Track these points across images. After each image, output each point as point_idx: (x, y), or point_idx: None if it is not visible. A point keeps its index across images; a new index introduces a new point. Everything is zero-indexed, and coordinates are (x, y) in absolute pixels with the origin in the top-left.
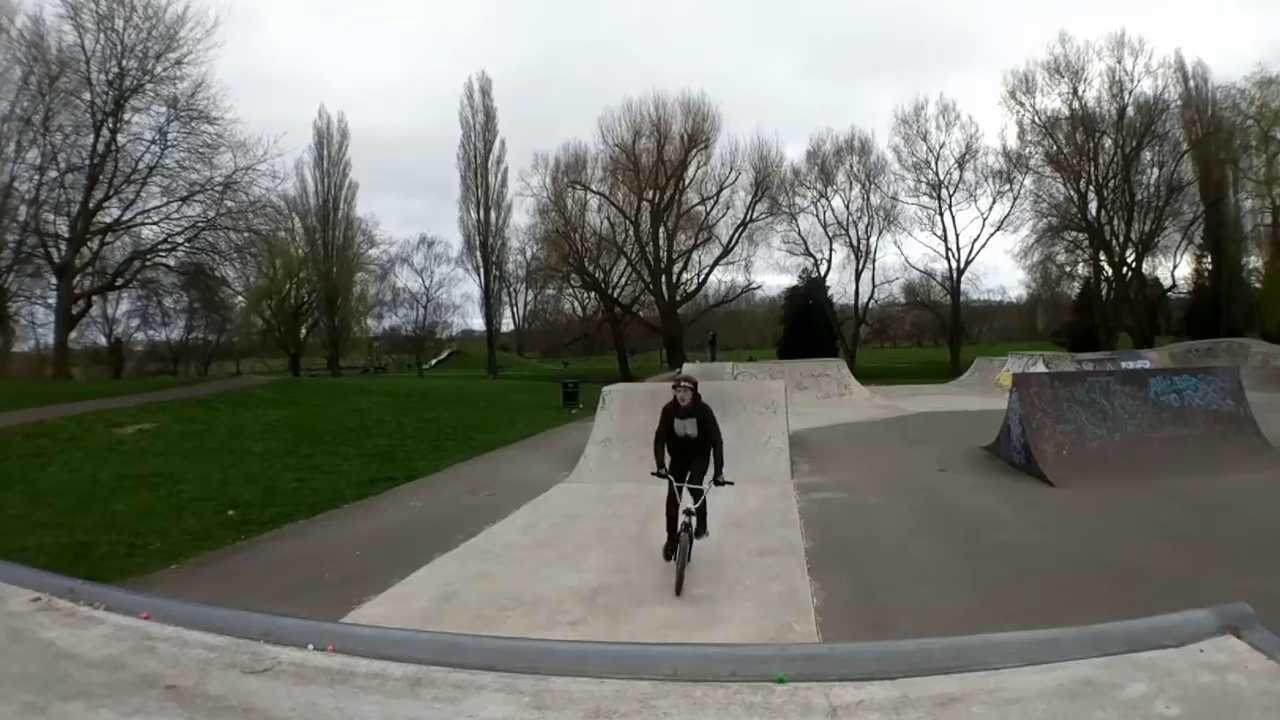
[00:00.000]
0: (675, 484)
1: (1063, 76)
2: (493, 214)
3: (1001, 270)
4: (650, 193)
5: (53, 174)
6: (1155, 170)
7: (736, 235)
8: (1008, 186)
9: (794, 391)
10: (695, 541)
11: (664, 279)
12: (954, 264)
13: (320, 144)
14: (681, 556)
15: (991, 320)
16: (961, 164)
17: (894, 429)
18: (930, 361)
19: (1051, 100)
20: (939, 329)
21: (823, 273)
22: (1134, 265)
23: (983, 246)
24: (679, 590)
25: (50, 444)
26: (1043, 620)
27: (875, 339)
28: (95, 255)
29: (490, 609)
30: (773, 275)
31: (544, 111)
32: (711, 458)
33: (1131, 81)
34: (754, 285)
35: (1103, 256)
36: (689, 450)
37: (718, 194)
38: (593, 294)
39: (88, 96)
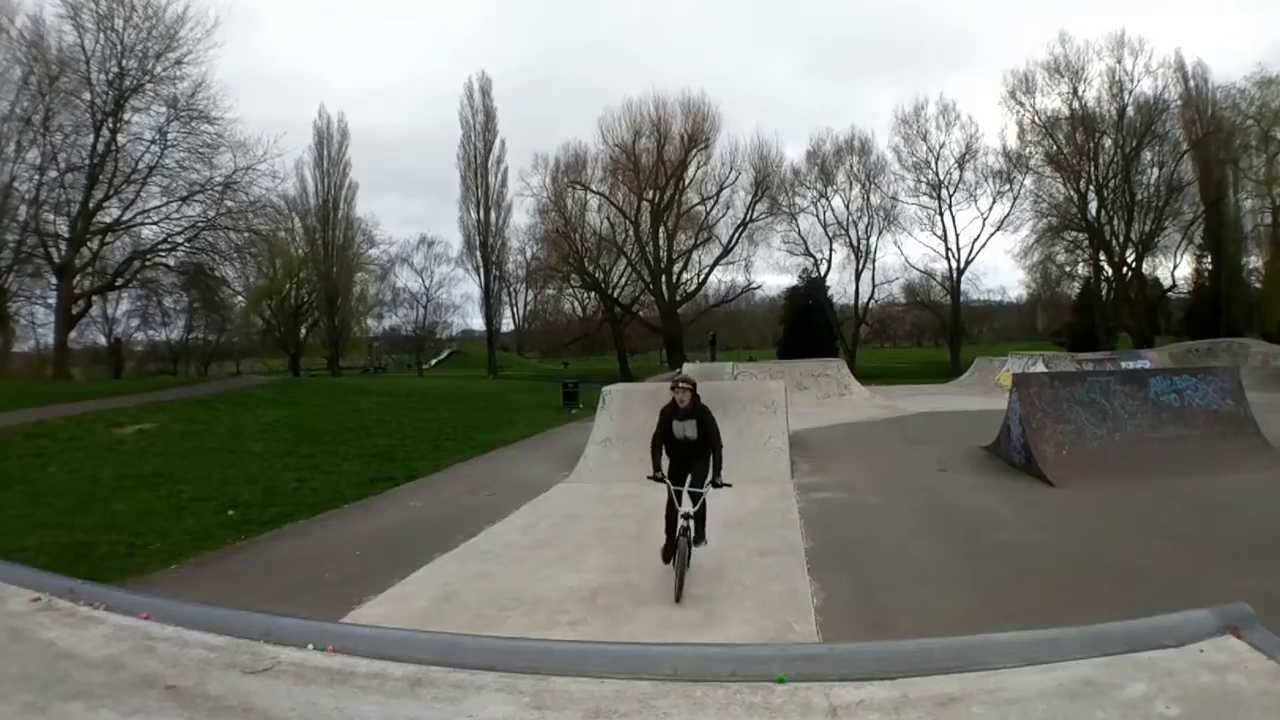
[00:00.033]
0: (673, 488)
1: (1063, 76)
2: (493, 214)
3: (1001, 270)
4: (650, 193)
5: (53, 174)
6: (1155, 170)
7: (736, 235)
8: (1008, 186)
9: (794, 391)
10: (694, 549)
11: (664, 279)
12: (954, 264)
13: (320, 144)
14: (680, 562)
15: (991, 320)
16: (961, 164)
17: (894, 429)
18: (930, 361)
19: (1051, 100)
20: (939, 329)
21: (823, 273)
22: (1134, 265)
23: (983, 246)
24: (678, 597)
25: (50, 444)
26: (1043, 620)
27: (875, 339)
28: (95, 255)
29: (490, 609)
30: (773, 275)
31: (544, 111)
32: (711, 460)
33: (1131, 81)
34: (754, 285)
35: (1103, 256)
36: (689, 453)
37: (718, 194)
38: (593, 294)
39: (88, 96)
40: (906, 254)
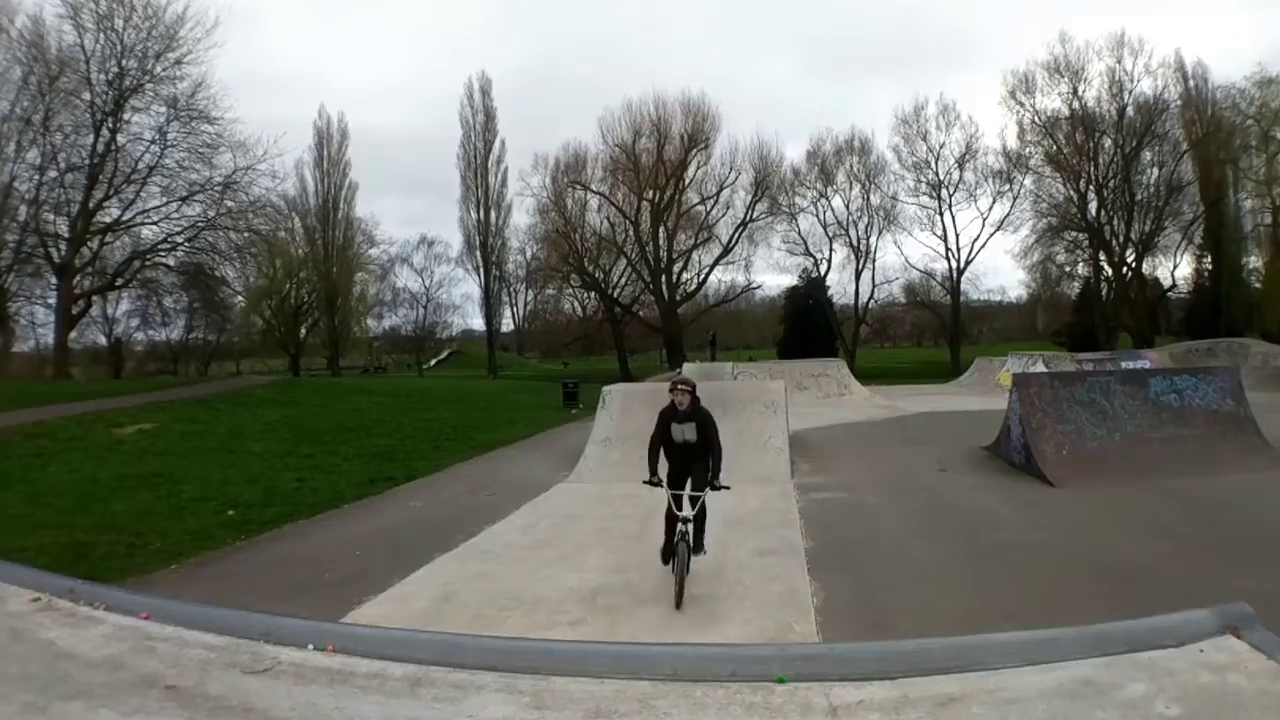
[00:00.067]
0: (671, 492)
1: (1063, 76)
2: (493, 214)
3: (1001, 270)
4: (650, 193)
5: (53, 174)
6: (1155, 170)
7: (736, 235)
8: (1008, 186)
9: (794, 391)
10: (692, 557)
11: (664, 279)
12: (954, 264)
13: (320, 144)
14: (680, 568)
15: (991, 320)
16: (961, 164)
17: (894, 429)
18: (930, 361)
19: (1051, 100)
20: (939, 329)
21: (823, 273)
22: (1134, 265)
23: (983, 246)
24: (679, 603)
25: (50, 444)
26: (1043, 620)
27: (875, 339)
28: (95, 255)
29: (490, 609)
30: (773, 275)
31: (544, 111)
32: (710, 463)
33: (1131, 81)
34: (754, 285)
35: (1103, 256)
36: (688, 457)
37: (718, 194)
38: (593, 294)
39: (87, 96)
40: (906, 254)
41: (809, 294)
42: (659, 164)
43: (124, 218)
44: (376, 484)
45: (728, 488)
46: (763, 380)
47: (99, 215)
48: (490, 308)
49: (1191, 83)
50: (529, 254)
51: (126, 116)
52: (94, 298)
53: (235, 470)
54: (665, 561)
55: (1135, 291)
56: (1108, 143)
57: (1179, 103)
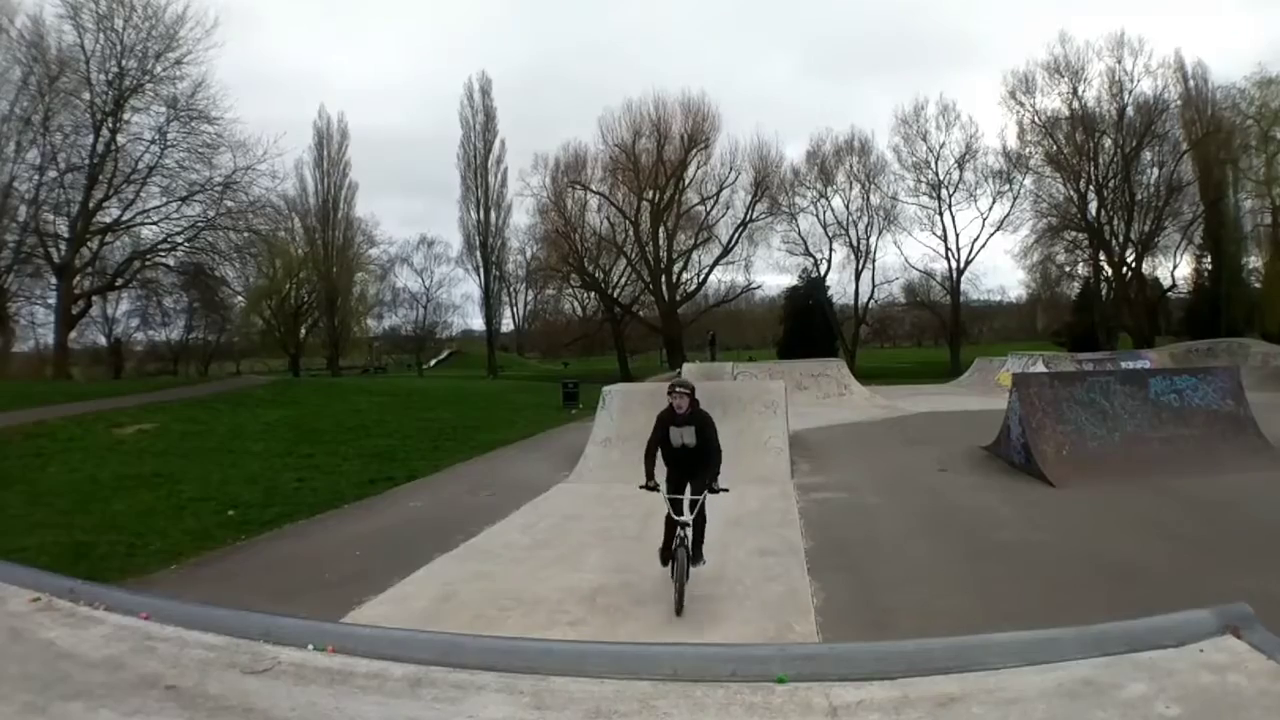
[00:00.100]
0: (671, 497)
1: (1063, 76)
2: (493, 214)
3: (1001, 270)
4: (650, 193)
5: (53, 174)
6: (1155, 170)
7: (736, 235)
8: (1007, 186)
9: (794, 391)
10: (692, 569)
11: (664, 279)
12: (954, 264)
13: (320, 144)
14: (680, 574)
15: (991, 320)
16: (961, 164)
17: (894, 429)
18: (930, 361)
19: (1051, 100)
20: (939, 329)
21: (823, 273)
22: (1134, 265)
23: (983, 246)
24: (679, 610)
25: (50, 444)
26: (1043, 620)
27: (875, 339)
28: (95, 255)
29: (490, 609)
30: (773, 275)
31: (544, 111)
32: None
33: (1131, 81)
34: (754, 285)
35: (1103, 256)
36: (688, 461)
37: (718, 194)
38: (593, 294)
39: (87, 96)
40: (906, 254)
41: (809, 294)
42: (659, 164)
43: (124, 218)
44: (376, 484)
45: (726, 490)
46: (763, 380)
47: (99, 215)
48: (490, 308)
49: (1191, 83)
50: (529, 254)
51: (126, 116)
52: (94, 298)
53: (235, 470)
54: (664, 563)
55: (1135, 291)
56: (1108, 143)
57: (1179, 103)
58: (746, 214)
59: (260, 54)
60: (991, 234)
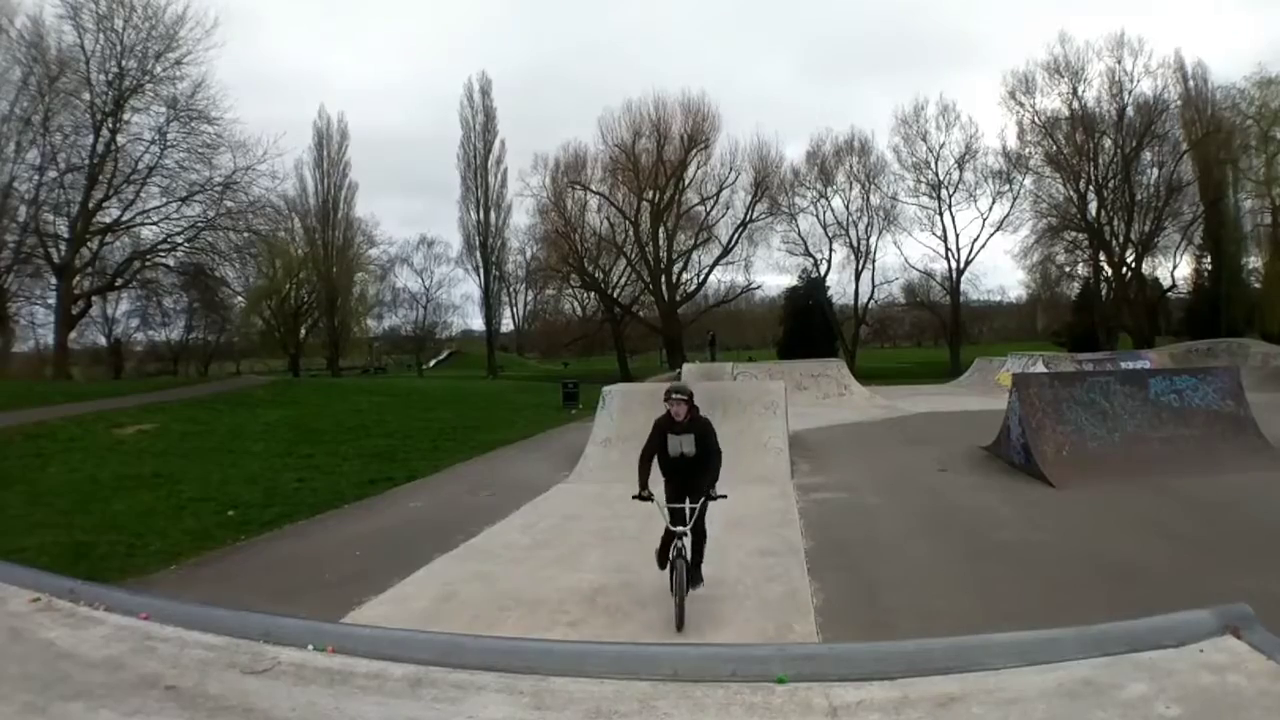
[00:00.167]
0: (670, 506)
1: (1062, 77)
2: (493, 214)
3: (1001, 270)
4: (650, 193)
5: (53, 174)
6: (1155, 170)
7: (736, 235)
8: (1007, 187)
9: (794, 392)
10: (692, 591)
11: (664, 279)
12: (954, 264)
13: (320, 144)
14: (679, 588)
15: (991, 320)
16: (961, 164)
17: (894, 429)
18: (930, 361)
19: (1051, 100)
20: (939, 329)
21: (823, 273)
22: (1134, 265)
23: (982, 247)
24: (680, 625)
25: (50, 444)
26: (1043, 620)
27: (875, 339)
28: (95, 255)
29: (490, 609)
30: (773, 275)
31: (544, 111)
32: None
33: (1131, 81)
34: (754, 285)
35: (1102, 257)
36: (687, 471)
37: (718, 194)
38: (593, 294)
39: (87, 96)
40: (906, 254)
41: (809, 294)
42: (659, 164)
43: (124, 218)
44: (376, 484)
45: (724, 497)
46: (763, 380)
47: (99, 215)
48: (490, 308)
49: (1191, 83)
50: (529, 254)
51: (126, 117)
52: (94, 298)
53: (235, 470)
54: (661, 566)
55: (1135, 292)
56: (1108, 143)
57: (1179, 103)
58: (746, 214)
59: (260, 54)
60: (991, 234)
